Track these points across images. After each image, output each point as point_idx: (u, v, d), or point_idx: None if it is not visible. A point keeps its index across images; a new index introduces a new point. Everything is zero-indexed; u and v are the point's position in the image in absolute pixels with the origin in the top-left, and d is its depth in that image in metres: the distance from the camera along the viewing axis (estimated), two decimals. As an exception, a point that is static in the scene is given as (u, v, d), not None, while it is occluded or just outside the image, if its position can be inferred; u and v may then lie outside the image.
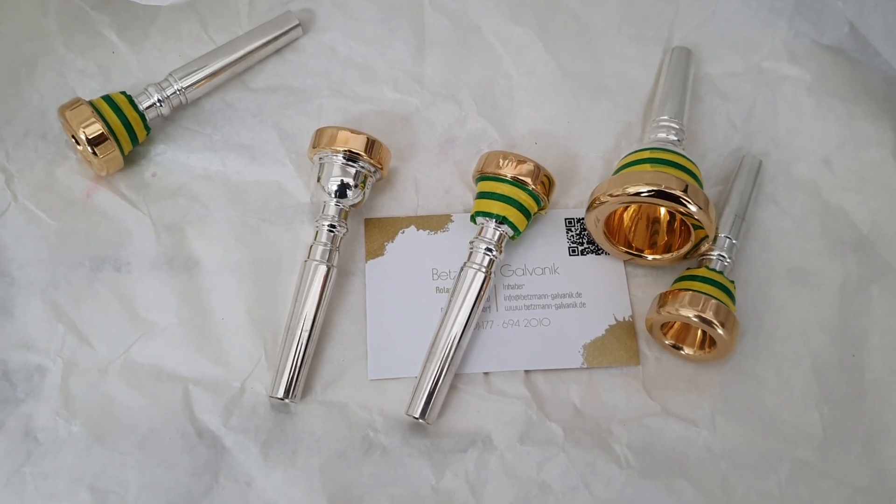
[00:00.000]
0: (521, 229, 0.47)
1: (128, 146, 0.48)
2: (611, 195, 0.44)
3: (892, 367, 0.47)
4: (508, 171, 0.46)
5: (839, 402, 0.46)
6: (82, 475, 0.43)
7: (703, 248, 0.46)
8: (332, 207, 0.47)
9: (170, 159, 0.50)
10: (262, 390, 0.45)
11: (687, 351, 0.46)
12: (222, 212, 0.49)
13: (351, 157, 0.46)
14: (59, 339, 0.46)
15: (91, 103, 0.47)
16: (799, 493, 0.44)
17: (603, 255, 0.49)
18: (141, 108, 0.49)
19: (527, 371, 0.46)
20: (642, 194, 0.43)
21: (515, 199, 0.46)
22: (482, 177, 0.47)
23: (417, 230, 0.49)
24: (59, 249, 0.48)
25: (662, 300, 0.44)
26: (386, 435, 0.45)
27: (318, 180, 0.47)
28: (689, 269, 0.47)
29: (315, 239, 0.46)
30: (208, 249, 0.48)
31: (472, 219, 0.48)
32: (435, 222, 0.50)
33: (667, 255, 0.47)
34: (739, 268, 0.49)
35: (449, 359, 0.45)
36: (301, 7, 0.55)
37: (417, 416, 0.44)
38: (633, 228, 0.48)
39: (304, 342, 0.45)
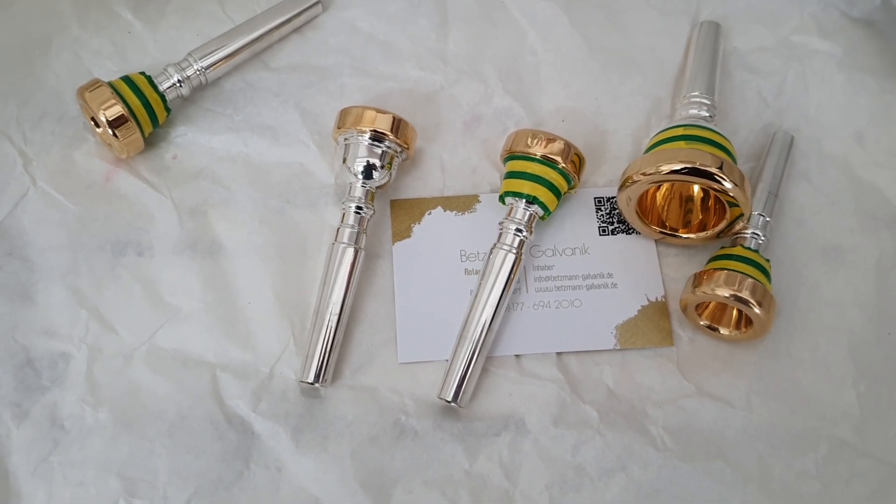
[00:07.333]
0: (551, 209, 0.46)
1: (148, 128, 0.47)
2: (644, 174, 0.43)
3: (928, 345, 0.46)
4: (538, 149, 0.45)
5: (876, 379, 0.45)
6: (111, 463, 0.43)
7: (738, 227, 0.45)
8: (358, 189, 0.46)
9: (190, 141, 0.49)
10: (292, 375, 0.45)
11: (723, 331, 0.45)
12: (245, 194, 0.48)
13: (377, 136, 0.45)
14: (82, 326, 0.45)
15: (110, 84, 0.46)
16: (837, 471, 0.43)
17: (633, 235, 0.48)
18: (161, 88, 0.48)
19: (559, 353, 0.46)
20: (677, 172, 0.42)
21: (546, 178, 0.45)
22: (511, 156, 0.46)
23: (444, 211, 0.48)
24: (80, 234, 0.47)
25: (697, 280, 0.44)
26: (418, 419, 0.44)
27: (344, 161, 0.46)
28: (723, 247, 0.46)
29: (342, 221, 0.46)
30: (232, 233, 0.47)
31: (501, 199, 0.47)
32: (462, 203, 0.49)
33: (700, 234, 0.46)
34: (773, 246, 0.48)
35: (480, 341, 0.44)
36: (320, -17, 0.53)
37: (450, 399, 0.43)
38: (666, 207, 0.47)
39: (334, 326, 0.44)
